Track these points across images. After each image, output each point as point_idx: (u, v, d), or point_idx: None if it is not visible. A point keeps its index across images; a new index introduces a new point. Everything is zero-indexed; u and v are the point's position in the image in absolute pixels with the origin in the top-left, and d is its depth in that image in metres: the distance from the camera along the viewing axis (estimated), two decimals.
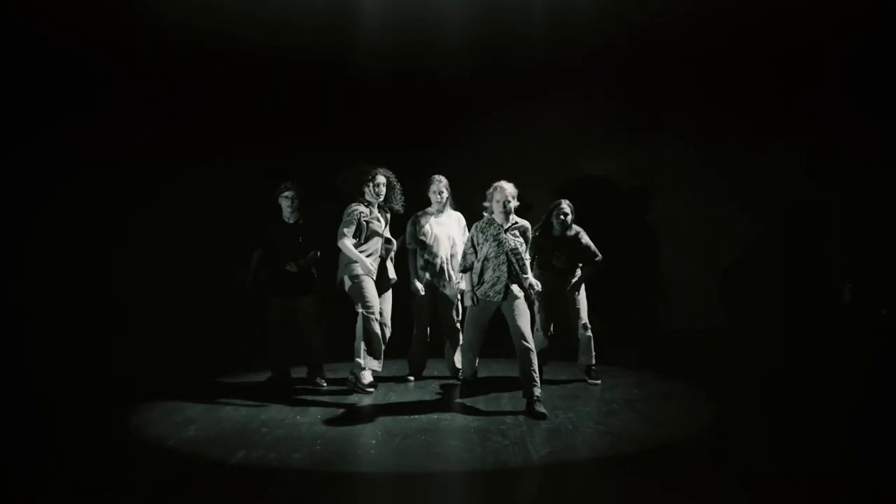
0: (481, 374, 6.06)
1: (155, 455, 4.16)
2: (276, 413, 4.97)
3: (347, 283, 5.44)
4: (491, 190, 5.03)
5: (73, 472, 3.88)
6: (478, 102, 8.09)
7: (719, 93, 7.99)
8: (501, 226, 5.00)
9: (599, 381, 5.78)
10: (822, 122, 7.71)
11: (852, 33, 7.45)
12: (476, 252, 5.06)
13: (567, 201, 5.81)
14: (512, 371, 5.99)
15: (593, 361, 5.85)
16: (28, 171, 7.37)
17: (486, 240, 5.00)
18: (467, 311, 5.20)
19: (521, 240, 5.05)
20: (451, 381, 5.89)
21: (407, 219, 5.92)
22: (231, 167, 7.86)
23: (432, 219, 5.86)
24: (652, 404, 5.15)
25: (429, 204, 5.89)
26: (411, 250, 5.89)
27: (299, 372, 5.93)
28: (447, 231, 5.86)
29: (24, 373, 6.36)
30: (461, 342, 5.79)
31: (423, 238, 5.82)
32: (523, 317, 4.95)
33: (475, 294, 5.05)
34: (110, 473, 3.89)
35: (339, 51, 7.89)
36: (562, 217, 5.74)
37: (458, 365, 5.89)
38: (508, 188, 4.99)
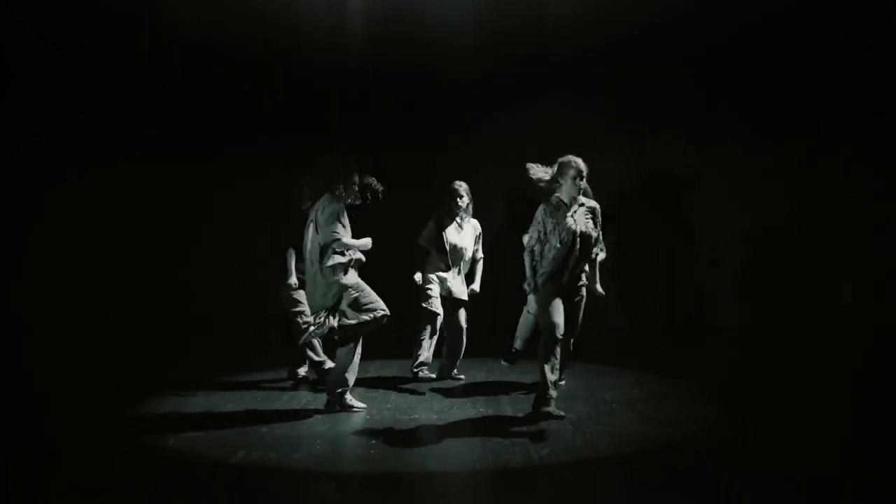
0: (482, 378, 6.06)
1: (155, 455, 4.16)
2: (276, 413, 4.97)
3: (352, 294, 4.79)
4: (560, 166, 4.66)
5: (73, 472, 3.88)
6: (478, 102, 8.09)
7: (719, 93, 7.98)
8: (569, 206, 4.65)
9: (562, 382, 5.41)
10: (822, 122, 7.71)
11: (852, 33, 7.44)
12: (542, 238, 4.67)
13: None
14: (511, 371, 5.99)
15: (562, 380, 5.33)
16: (28, 171, 7.37)
17: (557, 223, 4.64)
18: (534, 298, 4.87)
19: (591, 223, 4.70)
20: (448, 383, 5.84)
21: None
22: (231, 167, 7.86)
23: (453, 225, 5.78)
24: (652, 404, 5.14)
25: (431, 206, 5.81)
26: (423, 247, 5.77)
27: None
28: (465, 240, 5.79)
29: (24, 373, 6.36)
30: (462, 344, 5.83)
31: (443, 244, 5.71)
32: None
33: (535, 281, 4.68)
34: (110, 473, 3.89)
35: (339, 52, 7.89)
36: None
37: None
38: (581, 162, 4.64)
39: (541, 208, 4.73)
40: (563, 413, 4.72)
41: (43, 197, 7.48)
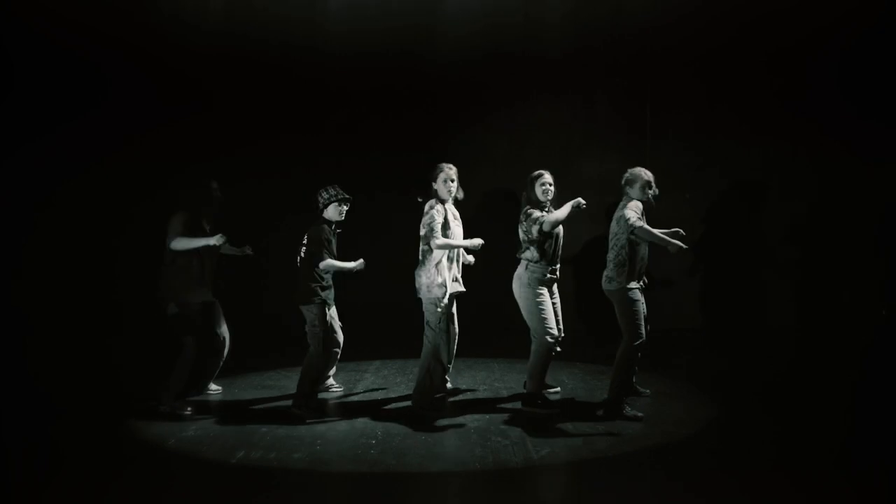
0: (482, 378, 6.05)
1: (155, 455, 4.17)
2: (277, 413, 4.97)
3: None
4: (632, 177, 4.85)
5: (73, 472, 3.89)
6: (478, 103, 8.09)
7: (719, 93, 7.98)
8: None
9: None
10: (822, 122, 7.70)
11: (852, 33, 7.44)
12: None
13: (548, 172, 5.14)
14: (511, 371, 5.99)
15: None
16: (29, 171, 7.37)
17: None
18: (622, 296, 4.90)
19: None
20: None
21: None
22: (231, 167, 7.85)
23: (450, 212, 5.01)
24: (652, 404, 5.15)
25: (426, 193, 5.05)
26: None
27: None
28: (460, 226, 5.08)
29: (25, 373, 6.36)
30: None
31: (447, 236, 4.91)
32: None
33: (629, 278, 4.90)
34: (110, 473, 3.89)
35: (339, 53, 7.90)
36: (546, 185, 5.04)
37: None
38: (648, 172, 4.89)
39: (632, 206, 4.80)
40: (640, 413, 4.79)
41: (44, 196, 7.46)
